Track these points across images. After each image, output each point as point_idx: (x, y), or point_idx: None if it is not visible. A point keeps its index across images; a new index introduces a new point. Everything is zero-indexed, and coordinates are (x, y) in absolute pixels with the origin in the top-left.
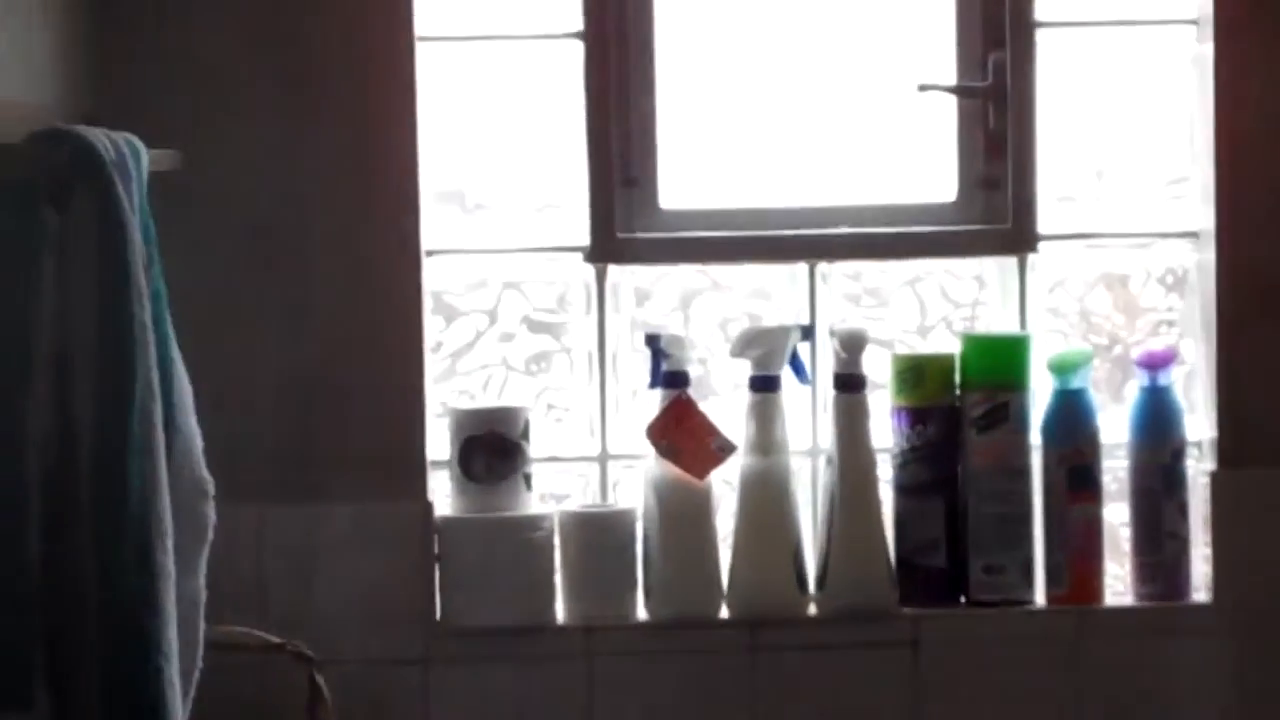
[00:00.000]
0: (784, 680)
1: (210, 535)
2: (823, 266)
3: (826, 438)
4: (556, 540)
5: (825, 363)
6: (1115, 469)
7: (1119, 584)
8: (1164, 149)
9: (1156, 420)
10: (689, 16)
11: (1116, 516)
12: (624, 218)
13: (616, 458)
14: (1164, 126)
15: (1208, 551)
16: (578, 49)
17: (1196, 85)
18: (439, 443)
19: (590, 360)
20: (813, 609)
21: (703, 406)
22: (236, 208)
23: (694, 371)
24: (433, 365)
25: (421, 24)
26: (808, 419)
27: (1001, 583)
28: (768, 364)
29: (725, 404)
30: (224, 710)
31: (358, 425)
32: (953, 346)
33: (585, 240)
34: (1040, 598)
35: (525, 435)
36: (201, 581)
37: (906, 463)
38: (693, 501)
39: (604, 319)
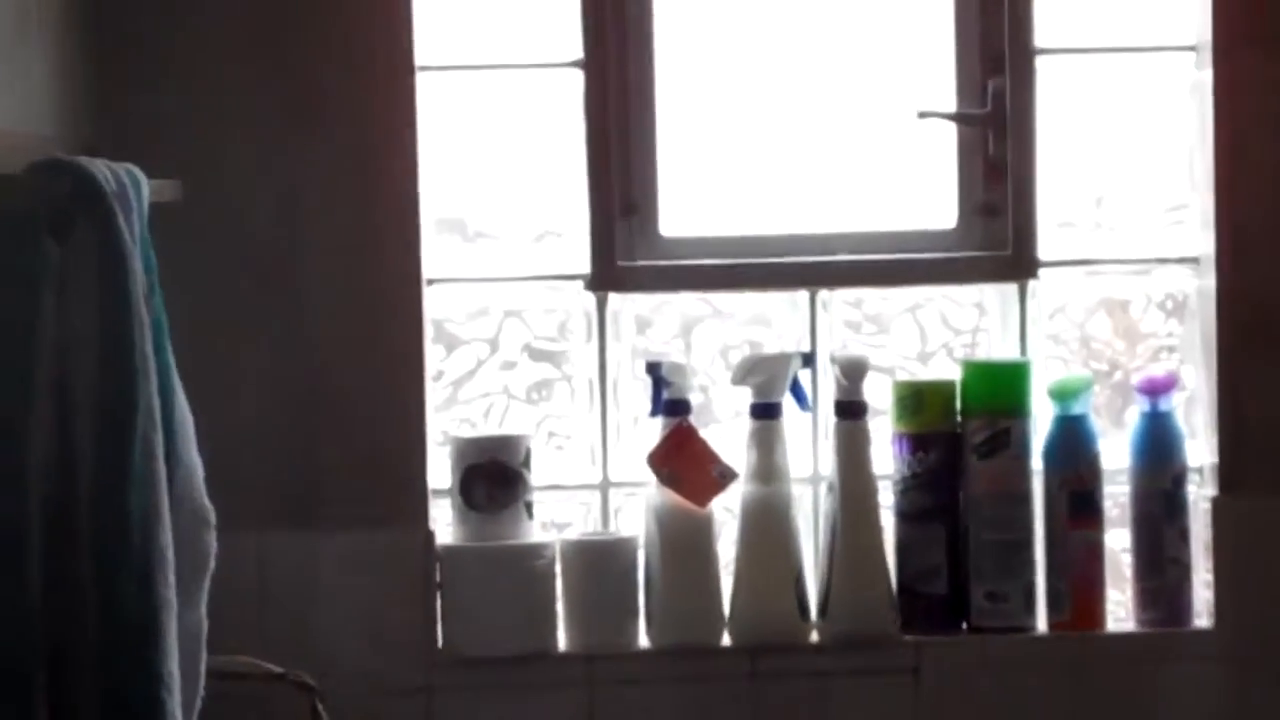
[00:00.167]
0: (786, 707)
1: (211, 565)
2: (823, 294)
3: (828, 465)
4: (558, 568)
5: (826, 390)
6: (1117, 495)
7: (1121, 610)
8: (1163, 175)
9: (1157, 446)
10: (689, 45)
11: (1118, 542)
12: (624, 246)
13: (618, 485)
14: (1163, 153)
15: (1209, 577)
16: (578, 78)
17: (1195, 111)
18: (440, 471)
19: (591, 388)
20: (814, 636)
21: (704, 434)
22: (237, 237)
23: (695, 399)
24: (434, 394)
25: (422, 53)
26: (809, 446)
27: (1003, 609)
28: (769, 391)
29: (726, 431)
30: None
31: (359, 454)
32: (953, 373)
33: (586, 268)
34: (1042, 624)
35: (526, 463)
36: (203, 611)
37: (907, 489)
38: (694, 529)
39: (605, 347)
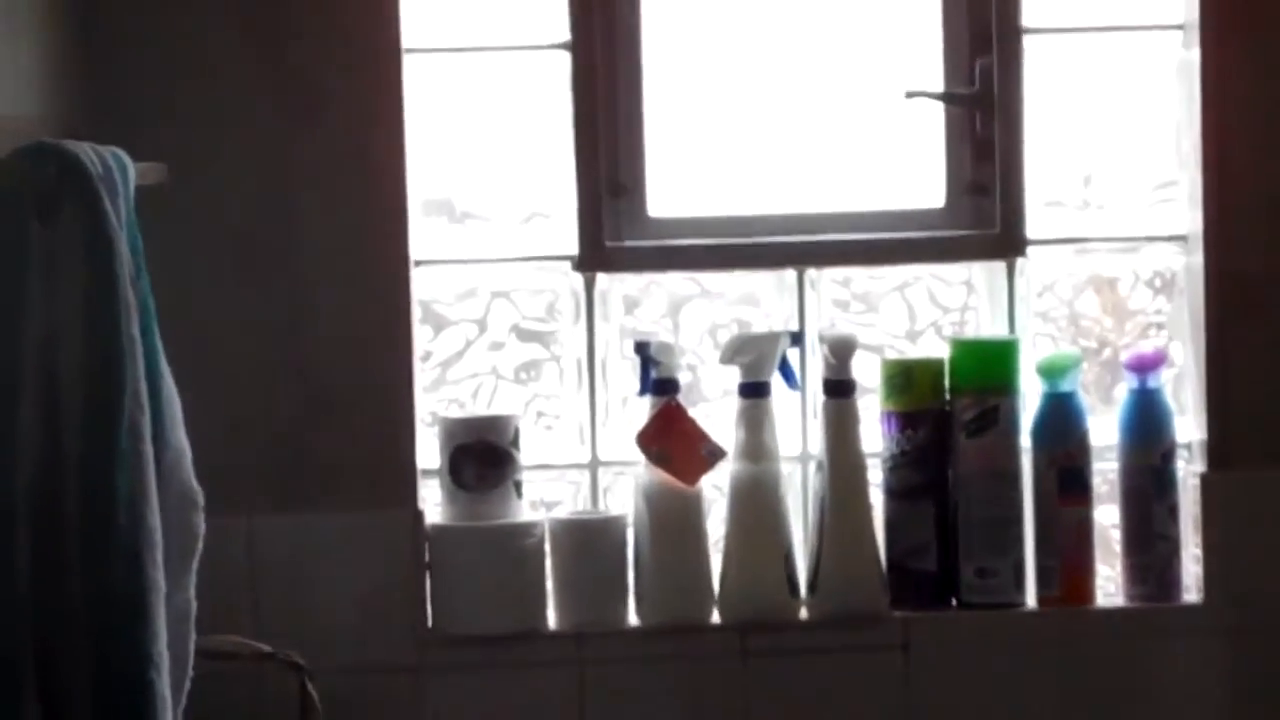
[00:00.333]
0: (776, 684)
1: (200, 546)
2: (811, 273)
3: (816, 443)
4: (547, 547)
5: (815, 368)
6: (1105, 471)
7: (1110, 586)
8: (1151, 153)
9: (1146, 422)
10: (676, 25)
11: (1107, 518)
12: (612, 226)
13: (607, 465)
14: (1151, 131)
15: (1198, 552)
16: (565, 59)
17: (1183, 90)
18: (429, 451)
19: (579, 368)
20: (804, 613)
21: (692, 413)
22: (224, 220)
23: (683, 378)
24: (422, 374)
25: (409, 35)
26: (797, 425)
27: (992, 585)
28: (757, 370)
29: (715, 410)
30: None
31: (347, 435)
32: (942, 351)
33: (574, 249)
34: (1031, 600)
35: (515, 443)
36: (191, 593)
37: (897, 467)
38: (683, 508)
39: (593, 327)
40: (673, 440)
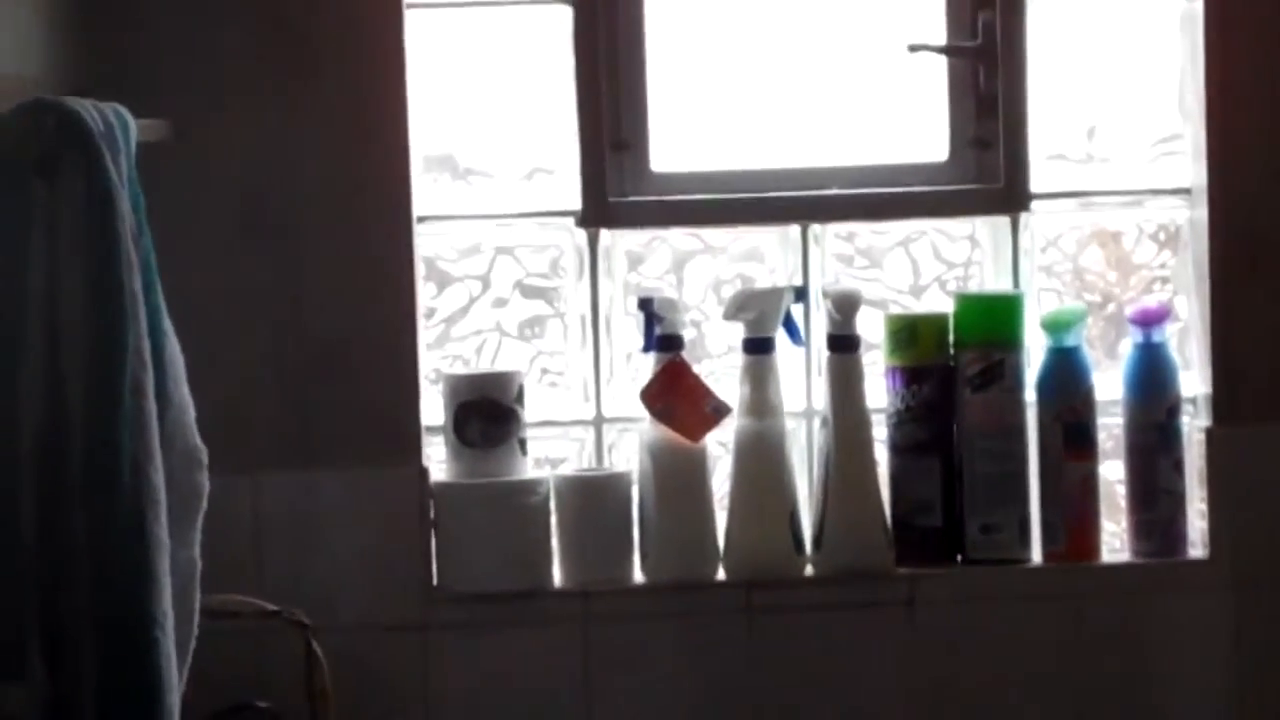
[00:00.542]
0: (781, 641)
1: (204, 504)
2: (815, 228)
3: (821, 399)
4: (552, 504)
5: (819, 324)
6: (1110, 426)
7: (1116, 541)
8: (1155, 106)
9: (1151, 377)
10: None
11: (1113, 474)
12: (615, 182)
13: (611, 421)
14: (1154, 84)
15: (1204, 507)
16: (567, 13)
17: (1186, 42)
18: (433, 409)
19: (584, 325)
20: (809, 570)
21: (697, 369)
22: (227, 177)
23: (687, 334)
24: (426, 332)
25: None
26: (802, 380)
27: (998, 541)
28: (761, 326)
29: (719, 367)
30: (220, 678)
31: (351, 392)
32: (946, 306)
33: (577, 205)
34: (1037, 556)
35: (519, 400)
36: (196, 551)
37: (901, 423)
38: (688, 464)
39: (597, 283)
40: (677, 397)
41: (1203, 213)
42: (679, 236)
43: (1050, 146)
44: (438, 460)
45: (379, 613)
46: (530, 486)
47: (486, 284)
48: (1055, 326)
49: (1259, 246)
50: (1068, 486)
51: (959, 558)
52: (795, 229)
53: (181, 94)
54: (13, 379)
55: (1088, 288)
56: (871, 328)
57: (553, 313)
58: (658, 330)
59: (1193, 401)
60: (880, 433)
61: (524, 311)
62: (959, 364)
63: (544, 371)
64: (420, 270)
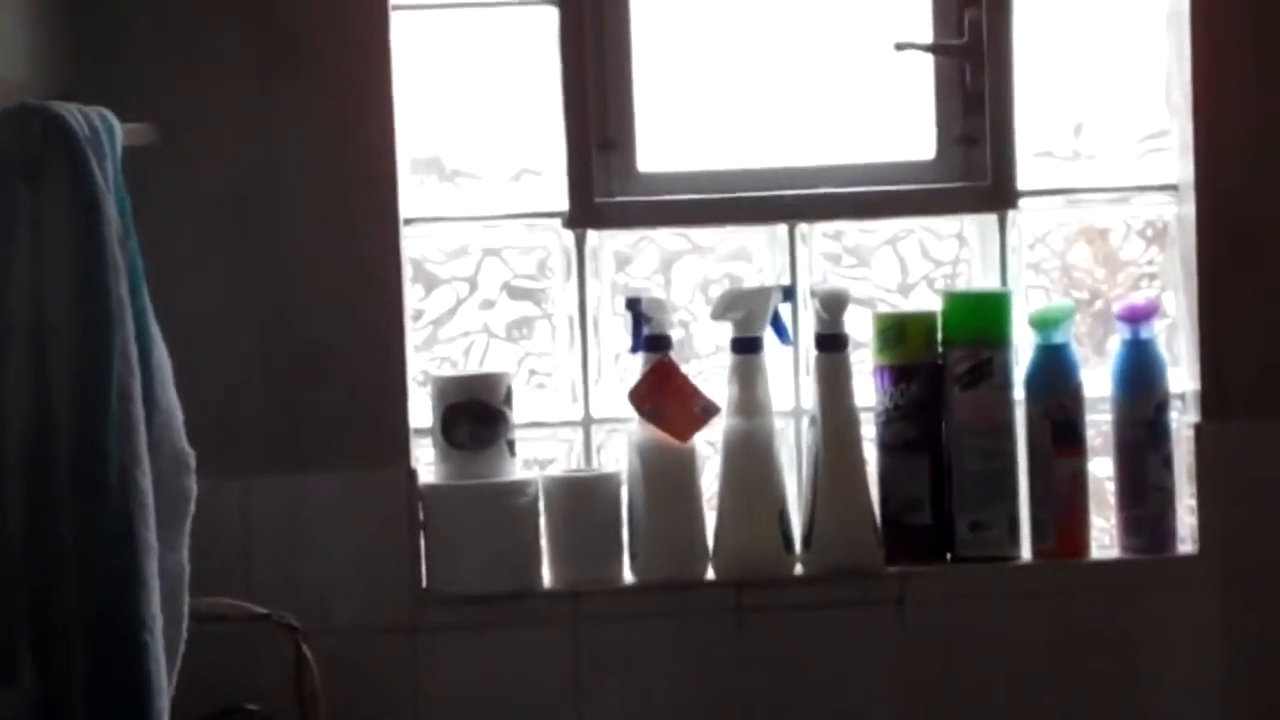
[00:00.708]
0: (771, 640)
1: (192, 508)
2: (803, 227)
3: (809, 398)
4: (541, 506)
5: (807, 323)
6: (1099, 423)
7: (1105, 538)
8: (1141, 102)
9: (1139, 374)
10: None
11: (1101, 470)
12: (602, 182)
13: (600, 422)
14: (1141, 80)
15: (1193, 503)
16: (553, 14)
17: (1173, 38)
18: (421, 411)
19: (571, 325)
20: (798, 569)
21: (685, 369)
22: (213, 181)
23: (675, 334)
24: (413, 333)
25: None
26: (790, 380)
27: (987, 539)
28: (749, 326)
29: (707, 366)
30: (210, 681)
31: (339, 395)
32: (934, 304)
33: (564, 206)
34: (1026, 553)
35: (507, 401)
36: (185, 555)
37: (890, 421)
38: (677, 464)
39: (584, 284)
40: (666, 397)
41: (1190, 208)
42: (666, 236)
43: (1037, 143)
44: (426, 462)
45: (369, 615)
46: (519, 488)
47: (474, 285)
48: (1043, 324)
49: (1246, 242)
50: (1057, 483)
51: (949, 556)
52: (783, 228)
53: (168, 98)
54: None
55: (1076, 285)
56: (859, 326)
57: (540, 314)
58: (646, 330)
59: (1181, 397)
60: (869, 431)
61: (512, 313)
62: (947, 362)
63: (532, 373)
64: (408, 272)
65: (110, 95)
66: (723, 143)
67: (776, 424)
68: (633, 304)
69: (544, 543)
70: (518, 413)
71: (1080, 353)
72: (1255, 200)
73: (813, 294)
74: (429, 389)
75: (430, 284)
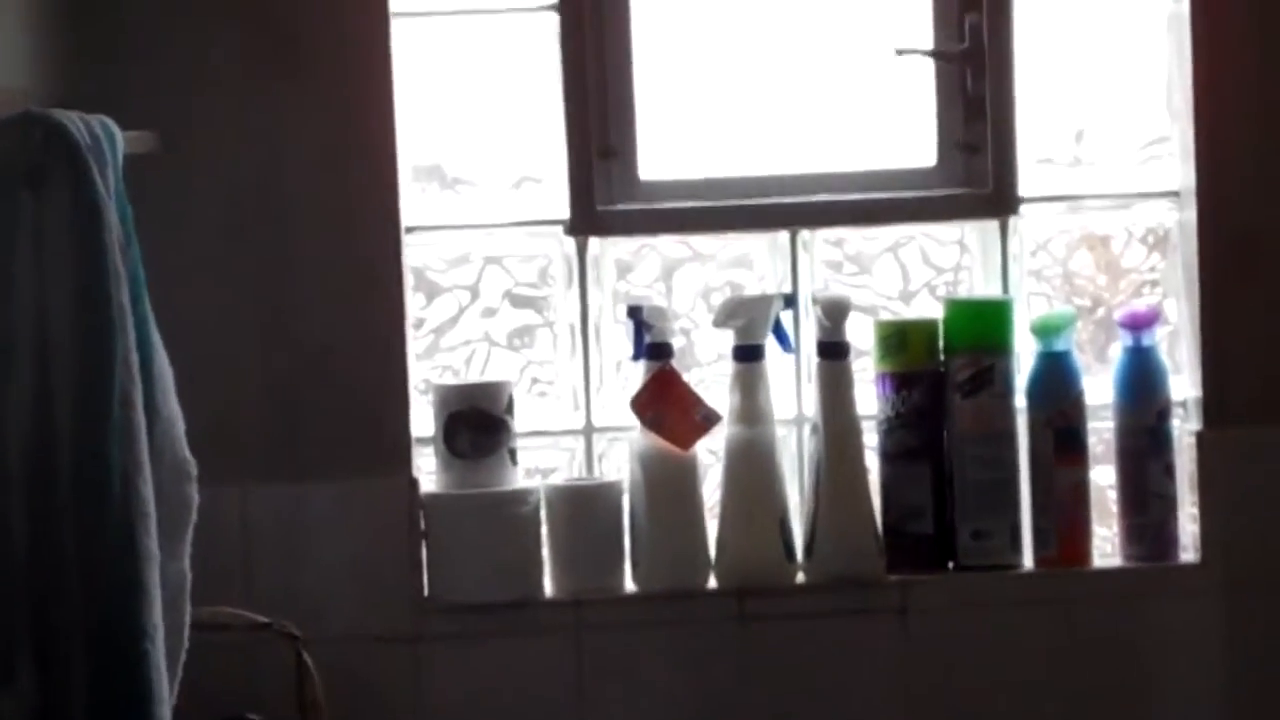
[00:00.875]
0: (772, 649)
1: (194, 516)
2: (804, 234)
3: (811, 406)
4: (543, 514)
5: (808, 331)
6: (1101, 431)
7: (1107, 546)
8: (1143, 108)
9: (1141, 381)
10: None
11: (1103, 478)
12: (603, 190)
13: (601, 430)
14: (1142, 86)
15: (1195, 511)
16: (553, 21)
17: (1173, 44)
18: (423, 419)
19: (573, 333)
20: (800, 577)
21: (686, 377)
22: (214, 188)
23: (677, 342)
24: (415, 342)
25: (397, 0)
26: (792, 387)
27: (989, 547)
28: (751, 333)
29: (709, 374)
30: (211, 690)
31: (341, 403)
32: (936, 312)
33: (565, 213)
34: (1028, 561)
35: (509, 410)
36: (186, 563)
37: (892, 429)
38: (678, 473)
39: (586, 292)
40: (667, 405)
41: (1191, 215)
42: (668, 244)
43: (1038, 150)
44: (427, 471)
45: (370, 624)
46: (521, 496)
47: (475, 294)
48: (1045, 331)
49: (1248, 248)
50: (1059, 491)
51: (950, 564)
52: (784, 235)
53: (169, 106)
54: (1, 393)
55: (1077, 292)
56: (861, 334)
57: (542, 322)
58: (647, 338)
59: (1183, 405)
60: (871, 439)
61: (513, 321)
62: (949, 369)
63: (534, 381)
64: (409, 280)
65: (111, 103)
66: (724, 150)
67: (778, 432)
68: (634, 312)
69: (546, 552)
70: (519, 421)
71: (1082, 360)
72: (1257, 206)
73: (814, 301)
74: (430, 397)
75: (431, 292)
